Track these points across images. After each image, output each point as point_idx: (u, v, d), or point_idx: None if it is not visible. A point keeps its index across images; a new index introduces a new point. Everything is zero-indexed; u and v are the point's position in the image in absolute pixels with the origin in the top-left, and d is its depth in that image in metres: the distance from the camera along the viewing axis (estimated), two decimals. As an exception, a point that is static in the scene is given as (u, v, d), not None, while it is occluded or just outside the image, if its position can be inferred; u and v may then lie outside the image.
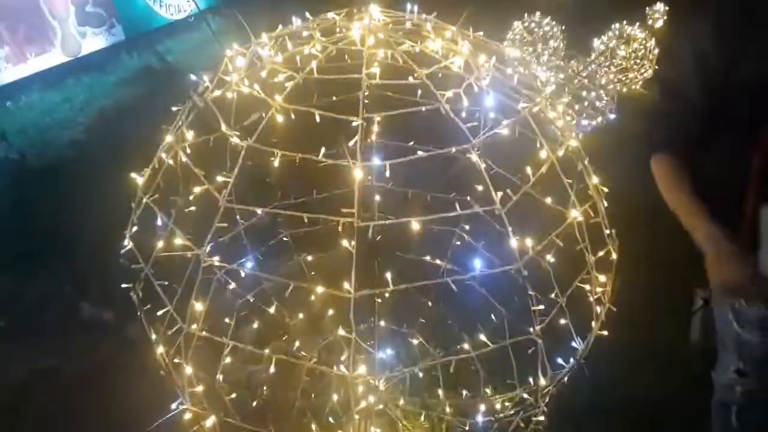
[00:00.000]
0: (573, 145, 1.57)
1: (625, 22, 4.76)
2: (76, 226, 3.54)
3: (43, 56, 5.70)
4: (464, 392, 2.26)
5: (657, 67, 4.68)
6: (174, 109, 1.72)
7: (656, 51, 4.67)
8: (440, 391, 2.28)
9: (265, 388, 2.40)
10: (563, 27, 4.96)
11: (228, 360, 2.02)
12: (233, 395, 1.92)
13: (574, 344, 1.75)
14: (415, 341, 2.52)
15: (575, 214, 1.51)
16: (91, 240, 3.32)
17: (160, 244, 1.64)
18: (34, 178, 4.14)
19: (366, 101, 1.40)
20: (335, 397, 2.23)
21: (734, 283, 1.54)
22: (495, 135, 1.44)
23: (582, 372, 1.85)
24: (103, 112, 5.16)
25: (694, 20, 1.62)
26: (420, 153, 1.40)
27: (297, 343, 2.51)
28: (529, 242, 1.47)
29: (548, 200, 1.58)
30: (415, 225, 1.32)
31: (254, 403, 2.28)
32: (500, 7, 5.26)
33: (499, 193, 1.36)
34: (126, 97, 5.47)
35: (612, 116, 4.07)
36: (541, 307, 1.49)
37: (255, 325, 2.45)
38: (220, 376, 1.92)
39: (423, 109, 1.42)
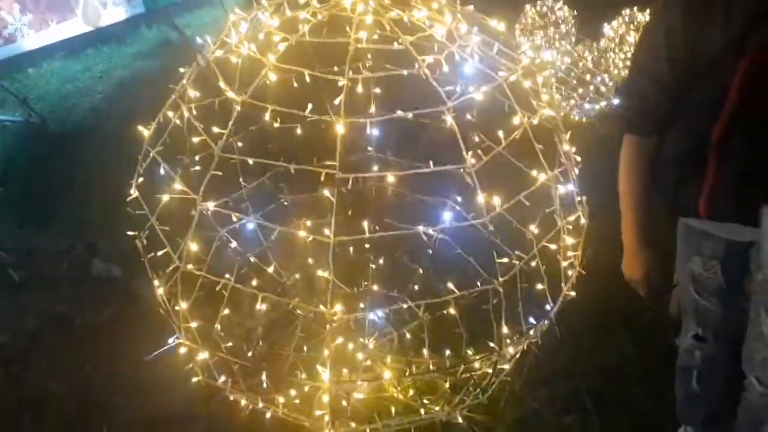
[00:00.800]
0: (547, 114, 1.66)
1: (636, 8, 4.77)
2: (90, 189, 3.71)
3: (64, 24, 5.85)
4: (447, 352, 2.38)
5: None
6: (181, 70, 1.84)
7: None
8: (425, 351, 2.41)
9: (260, 341, 2.54)
10: (575, 12, 4.99)
11: (226, 311, 2.19)
12: (229, 344, 2.06)
13: (547, 306, 1.87)
14: (404, 305, 2.64)
15: (544, 178, 1.61)
16: (104, 201, 3.47)
17: (165, 197, 1.77)
18: (53, 141, 4.31)
19: (364, 70, 1.52)
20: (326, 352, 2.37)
21: (632, 281, 1.87)
22: (471, 100, 1.55)
23: (556, 335, 1.98)
24: (122, 82, 5.32)
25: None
26: (399, 113, 1.50)
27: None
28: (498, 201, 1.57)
29: (520, 165, 1.67)
30: (391, 178, 1.43)
31: (249, 354, 2.42)
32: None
33: (470, 153, 1.47)
34: (144, 68, 5.63)
35: (616, 101, 4.12)
36: (505, 260, 1.60)
37: (253, 282, 2.57)
38: (218, 326, 2.08)
39: (405, 72, 1.52)
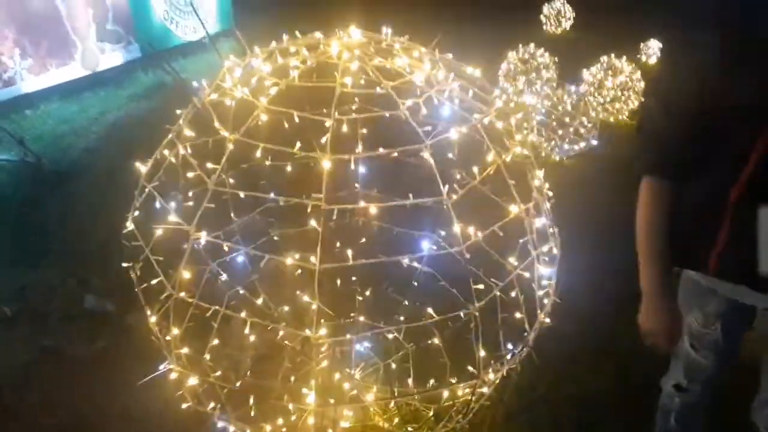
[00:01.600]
0: (518, 152, 1.80)
1: (613, 55, 5.05)
2: (84, 226, 3.79)
3: (63, 69, 6.03)
4: (431, 381, 2.45)
5: (652, 83, 4.91)
6: (177, 111, 1.97)
7: (642, 84, 4.94)
8: (410, 381, 2.48)
9: (248, 372, 2.60)
10: (555, 58, 5.25)
11: (216, 342, 2.26)
12: (218, 373, 2.13)
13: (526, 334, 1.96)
14: (390, 336, 2.73)
15: (515, 210, 1.74)
16: (97, 238, 3.55)
17: (159, 229, 1.87)
18: (47, 180, 4.40)
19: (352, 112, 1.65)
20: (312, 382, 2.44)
21: (650, 333, 1.75)
22: (450, 139, 1.68)
23: (535, 364, 2.07)
24: (116, 123, 5.47)
25: (695, 34, 1.49)
26: (381, 150, 1.63)
27: (281, 333, 2.73)
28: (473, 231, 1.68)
29: (495, 198, 1.80)
30: (373, 210, 1.55)
31: (237, 384, 2.48)
32: (497, 38, 5.57)
33: (446, 187, 1.59)
34: (138, 110, 5.79)
35: (594, 142, 4.33)
36: (482, 286, 1.70)
37: (243, 314, 2.65)
38: (207, 356, 2.15)
39: (387, 114, 1.66)
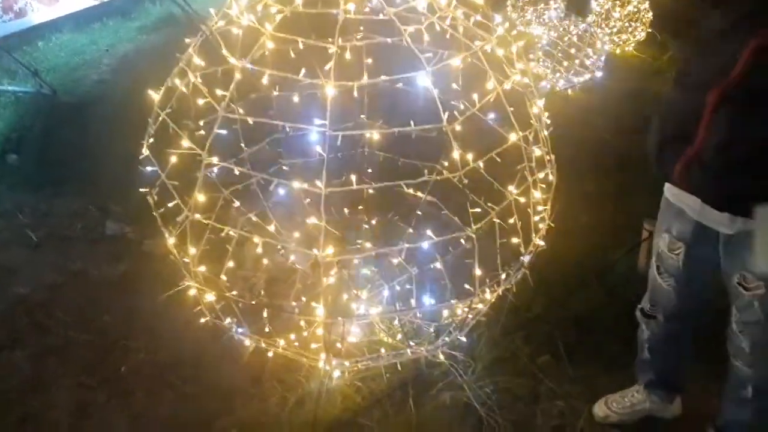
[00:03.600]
0: (518, 79, 1.85)
1: (622, -16, 4.92)
2: (100, 155, 3.90)
3: (72, -2, 6.01)
4: (432, 301, 2.60)
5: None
6: (186, 40, 2.03)
7: (649, 15, 4.83)
8: (413, 301, 2.63)
9: (262, 291, 2.77)
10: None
11: (231, 264, 2.40)
12: (234, 292, 2.28)
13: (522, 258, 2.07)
14: (395, 261, 2.87)
15: (514, 137, 1.80)
16: (114, 166, 3.66)
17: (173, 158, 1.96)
18: (63, 111, 4.49)
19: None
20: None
21: None
22: (448, 65, 1.73)
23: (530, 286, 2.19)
24: (127, 55, 5.49)
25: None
26: (383, 77, 1.69)
27: (292, 257, 2.87)
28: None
29: (493, 125, 1.86)
30: (376, 135, 1.62)
31: (252, 302, 2.64)
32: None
33: (446, 113, 1.66)
34: (148, 42, 5.79)
35: (600, 74, 4.30)
36: (478, 209, 1.80)
37: (256, 239, 2.79)
38: (223, 276, 2.29)
39: (389, 40, 1.71)
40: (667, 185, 1.81)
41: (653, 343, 2.07)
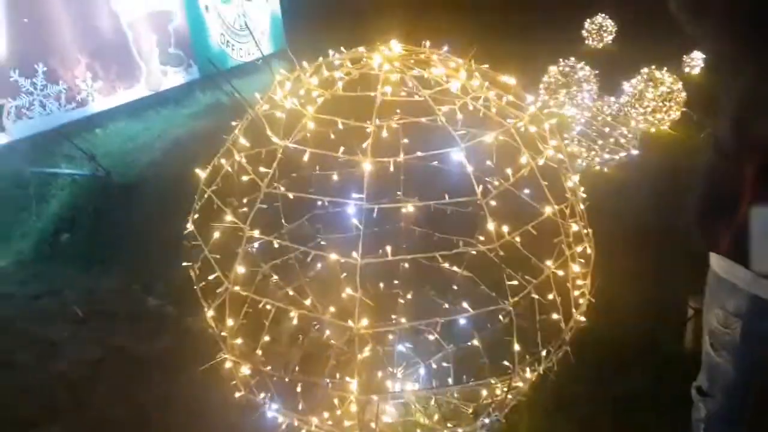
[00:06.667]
0: (551, 154, 1.88)
1: (653, 67, 5.02)
2: (148, 235, 4.06)
3: (129, 90, 6.47)
4: (471, 381, 2.53)
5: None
6: (233, 123, 2.16)
7: (683, 94, 4.90)
8: (450, 380, 2.56)
9: (296, 368, 2.75)
10: (597, 72, 5.27)
11: (267, 338, 2.42)
12: (269, 368, 2.28)
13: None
14: (431, 337, 2.83)
15: (549, 210, 1.82)
16: (161, 246, 3.80)
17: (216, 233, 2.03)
18: (115, 193, 4.74)
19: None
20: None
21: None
22: (482, 143, 1.79)
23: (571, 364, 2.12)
24: (178, 139, 5.81)
25: None
26: (419, 153, 1.75)
27: (327, 333, 2.87)
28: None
29: (526, 198, 1.88)
30: (411, 208, 1.66)
31: (287, 379, 2.62)
32: (538, 53, 5.64)
33: (481, 187, 1.70)
34: (198, 127, 6.13)
35: (635, 152, 4.33)
36: (515, 282, 1.79)
37: (292, 314, 2.81)
38: (259, 351, 2.30)
39: (424, 119, 1.78)
40: (713, 258, 1.73)
41: (710, 422, 1.94)
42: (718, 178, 1.63)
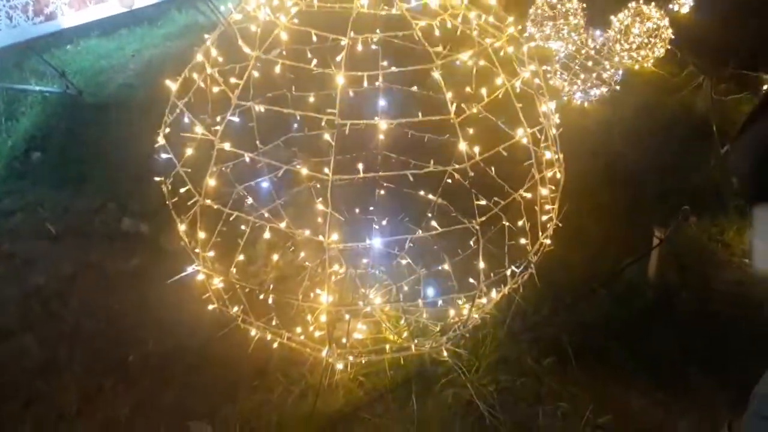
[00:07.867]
0: (526, 77, 1.87)
1: (641, 1, 4.93)
2: (122, 155, 3.99)
3: (101, 5, 6.18)
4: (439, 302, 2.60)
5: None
6: (206, 36, 2.09)
7: (669, 31, 4.83)
8: (420, 301, 2.63)
9: (271, 286, 2.80)
10: (584, 5, 5.16)
11: (241, 257, 2.43)
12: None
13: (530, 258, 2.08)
14: (403, 261, 2.88)
15: (521, 133, 1.82)
16: (134, 166, 3.75)
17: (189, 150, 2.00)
18: (87, 112, 4.61)
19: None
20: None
21: None
22: (458, 64, 1.77)
23: (537, 288, 2.19)
24: (152, 60, 5.62)
25: None
26: (393, 69, 1.73)
27: (301, 254, 2.91)
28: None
29: (498, 122, 1.88)
30: (384, 125, 1.66)
31: (260, 296, 2.67)
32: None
33: (453, 105, 1.69)
34: (173, 48, 5.92)
35: (617, 87, 4.31)
36: (483, 202, 1.81)
37: (267, 235, 2.83)
38: (233, 269, 2.33)
39: (400, 33, 1.75)
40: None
41: None
42: None
